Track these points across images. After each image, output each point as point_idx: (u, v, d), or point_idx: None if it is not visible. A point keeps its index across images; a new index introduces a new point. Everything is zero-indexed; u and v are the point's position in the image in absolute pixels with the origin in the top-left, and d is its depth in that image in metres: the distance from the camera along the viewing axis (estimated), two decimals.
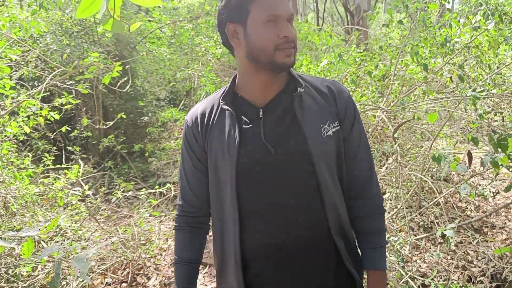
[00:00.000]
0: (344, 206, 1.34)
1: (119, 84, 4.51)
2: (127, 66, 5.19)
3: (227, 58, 7.56)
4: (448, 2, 3.38)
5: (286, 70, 1.27)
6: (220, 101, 1.33)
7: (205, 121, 1.35)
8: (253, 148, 1.27)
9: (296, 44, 1.26)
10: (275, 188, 1.27)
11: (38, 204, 3.91)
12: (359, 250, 1.40)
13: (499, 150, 1.94)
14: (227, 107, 1.30)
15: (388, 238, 2.77)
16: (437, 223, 3.66)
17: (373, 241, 1.36)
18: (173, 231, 3.97)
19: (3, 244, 1.17)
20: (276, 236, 1.28)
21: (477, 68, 3.97)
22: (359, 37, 7.37)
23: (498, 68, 3.57)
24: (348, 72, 3.56)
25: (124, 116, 5.28)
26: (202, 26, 8.30)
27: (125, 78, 4.78)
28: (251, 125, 1.29)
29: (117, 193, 3.91)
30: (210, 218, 1.44)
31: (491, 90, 2.24)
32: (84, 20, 6.88)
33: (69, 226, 3.79)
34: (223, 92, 1.35)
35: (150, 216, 4.00)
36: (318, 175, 1.26)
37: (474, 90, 2.20)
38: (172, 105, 8.54)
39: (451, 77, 3.09)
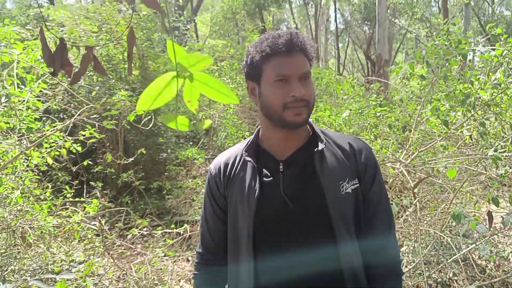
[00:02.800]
0: (361, 263, 1.33)
1: (143, 122, 4.61)
2: None
3: (248, 100, 7.70)
4: (470, 60, 3.43)
5: (297, 127, 1.30)
6: (244, 152, 1.37)
7: (228, 171, 1.39)
8: (272, 200, 1.30)
9: (311, 101, 1.29)
10: (292, 242, 1.29)
11: (54, 236, 3.94)
12: None
13: None
14: (249, 159, 1.35)
15: None
16: (456, 280, 3.56)
17: None
18: (186, 272, 3.94)
19: (42, 286, 1.20)
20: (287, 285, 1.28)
21: (497, 125, 3.96)
22: (379, 88, 7.45)
23: None
24: (368, 123, 3.60)
25: (144, 152, 5.36)
26: (225, 68, 8.53)
27: (149, 116, 4.90)
28: (271, 178, 1.33)
29: (134, 230, 3.92)
30: None
31: None
32: (112, 57, 7.15)
33: (84, 261, 3.79)
34: (247, 143, 1.41)
35: (164, 255, 4.00)
36: (336, 231, 1.27)
37: (495, 150, 2.21)
38: (191, 143, 8.66)
39: (470, 135, 3.10)
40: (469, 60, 3.35)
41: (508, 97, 3.46)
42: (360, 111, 3.56)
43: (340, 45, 25.75)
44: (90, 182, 4.81)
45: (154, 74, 7.90)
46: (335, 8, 24.38)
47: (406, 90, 5.56)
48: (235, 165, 1.39)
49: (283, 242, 1.29)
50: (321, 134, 1.37)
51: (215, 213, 1.42)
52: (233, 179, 1.37)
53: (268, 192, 1.31)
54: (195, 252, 4.41)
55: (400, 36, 23.48)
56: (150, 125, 4.89)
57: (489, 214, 2.03)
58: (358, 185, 1.33)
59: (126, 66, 7.04)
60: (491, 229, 4.73)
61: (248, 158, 1.35)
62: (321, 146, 1.32)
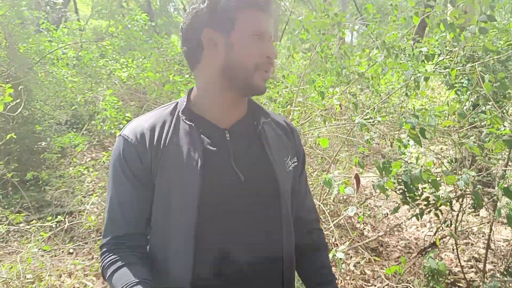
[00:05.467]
0: (293, 245, 1.27)
1: (9, 107, 4.14)
2: (20, 87, 4.82)
3: (133, 82, 7.34)
4: (345, 35, 3.60)
5: (259, 93, 1.18)
6: (180, 115, 1.16)
7: (156, 137, 1.14)
8: (220, 172, 1.14)
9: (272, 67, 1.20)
10: (239, 218, 1.15)
11: None
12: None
13: (384, 174, 2.06)
14: (190, 123, 1.14)
15: None
16: (337, 244, 3.78)
17: (331, 274, 1.34)
18: (68, 266, 3.66)
19: None
20: (229, 266, 1.14)
21: (371, 97, 4.26)
22: None
23: (386, 96, 3.86)
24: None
25: (15, 136, 4.77)
26: (107, 48, 8.02)
27: (17, 100, 4.41)
28: (216, 148, 1.15)
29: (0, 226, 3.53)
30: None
31: (376, 118, 2.40)
32: None
33: None
34: (174, 107, 1.20)
35: (41, 250, 3.66)
36: (282, 210, 1.19)
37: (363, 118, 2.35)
38: (74, 130, 8.05)
39: (340, 104, 3.27)
40: (344, 35, 3.51)
41: (379, 70, 3.70)
42: None
43: None
44: None
45: (25, 56, 7.17)
46: None
47: (288, 68, 5.74)
48: (165, 131, 1.15)
49: (230, 219, 1.14)
50: (264, 109, 1.28)
51: (135, 189, 1.15)
52: (165, 147, 1.13)
53: (214, 162, 1.13)
54: (78, 244, 4.06)
55: (286, 17, 24.24)
56: (19, 110, 4.42)
57: (356, 177, 2.15)
58: (297, 163, 1.28)
59: None
60: (369, 193, 5.13)
61: (188, 122, 1.14)
62: (264, 120, 1.22)
